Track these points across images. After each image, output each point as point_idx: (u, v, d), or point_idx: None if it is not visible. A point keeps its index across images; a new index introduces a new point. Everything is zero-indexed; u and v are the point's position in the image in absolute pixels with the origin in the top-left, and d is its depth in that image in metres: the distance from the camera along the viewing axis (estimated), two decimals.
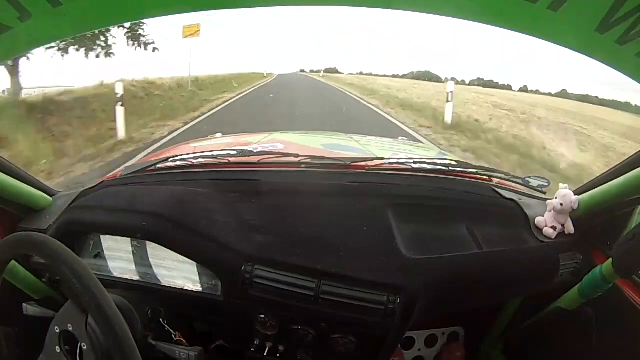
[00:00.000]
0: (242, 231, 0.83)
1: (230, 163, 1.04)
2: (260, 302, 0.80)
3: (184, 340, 0.76)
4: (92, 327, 0.61)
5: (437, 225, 0.89)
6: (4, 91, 7.13)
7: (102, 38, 8.61)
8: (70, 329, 0.63)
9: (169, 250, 0.82)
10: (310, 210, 0.89)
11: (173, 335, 0.77)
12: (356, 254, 0.80)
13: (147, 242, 0.86)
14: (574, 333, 0.95)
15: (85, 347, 0.62)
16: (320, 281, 0.77)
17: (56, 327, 0.64)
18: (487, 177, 1.09)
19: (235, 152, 1.08)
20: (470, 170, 1.10)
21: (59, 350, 0.64)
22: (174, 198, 0.88)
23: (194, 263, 0.82)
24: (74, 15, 0.58)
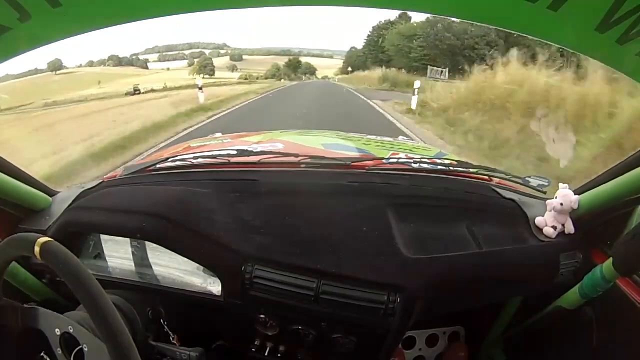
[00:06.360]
0: (242, 231, 0.83)
1: (230, 163, 1.04)
2: (260, 302, 0.80)
3: (177, 344, 0.76)
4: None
5: (437, 225, 0.89)
6: None
7: None
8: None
9: (169, 251, 0.82)
10: (310, 210, 0.89)
11: (171, 338, 0.77)
12: (356, 253, 0.80)
13: (147, 242, 0.86)
14: (574, 333, 0.95)
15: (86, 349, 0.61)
16: (320, 281, 0.77)
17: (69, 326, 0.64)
18: (487, 177, 1.09)
19: (235, 152, 1.08)
20: (470, 169, 1.10)
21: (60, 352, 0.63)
22: (174, 198, 0.88)
23: (194, 263, 0.82)
24: (74, 15, 0.58)
